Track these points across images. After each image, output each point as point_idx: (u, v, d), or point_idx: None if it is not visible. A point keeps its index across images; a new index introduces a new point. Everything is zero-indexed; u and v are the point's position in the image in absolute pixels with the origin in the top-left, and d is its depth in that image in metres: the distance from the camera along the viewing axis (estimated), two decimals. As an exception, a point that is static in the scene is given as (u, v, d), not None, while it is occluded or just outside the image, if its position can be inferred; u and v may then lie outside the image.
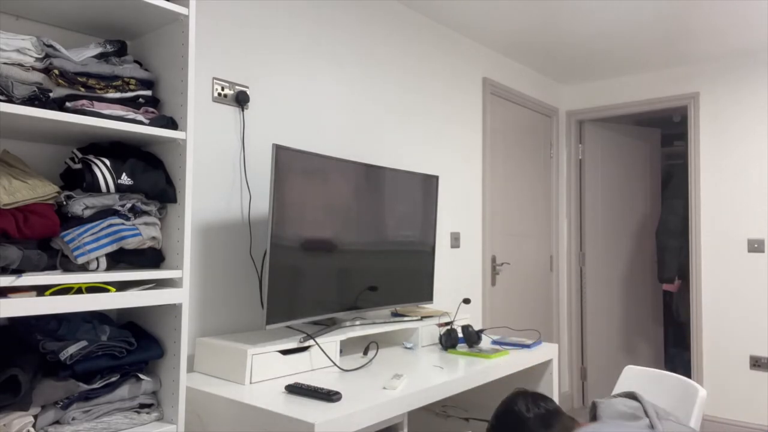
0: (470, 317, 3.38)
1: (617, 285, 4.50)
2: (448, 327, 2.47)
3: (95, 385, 1.47)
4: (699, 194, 3.97)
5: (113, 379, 1.51)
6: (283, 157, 1.96)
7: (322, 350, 1.98)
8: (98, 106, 1.49)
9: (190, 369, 1.95)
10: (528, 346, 2.41)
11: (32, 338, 1.45)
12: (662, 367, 4.62)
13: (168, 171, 1.65)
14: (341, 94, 2.68)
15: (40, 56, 1.44)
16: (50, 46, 1.47)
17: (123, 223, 1.53)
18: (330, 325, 2.19)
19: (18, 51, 1.40)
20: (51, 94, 1.42)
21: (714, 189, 3.92)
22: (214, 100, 2.15)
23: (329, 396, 1.61)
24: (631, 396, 1.64)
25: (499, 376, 2.18)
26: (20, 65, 1.41)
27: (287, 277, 1.98)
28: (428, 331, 2.49)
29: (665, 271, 4.36)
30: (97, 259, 1.47)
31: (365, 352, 2.23)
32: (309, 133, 2.52)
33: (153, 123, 1.57)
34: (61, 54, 1.48)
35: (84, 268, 1.46)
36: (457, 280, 3.37)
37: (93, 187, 1.49)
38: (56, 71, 1.45)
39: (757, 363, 3.71)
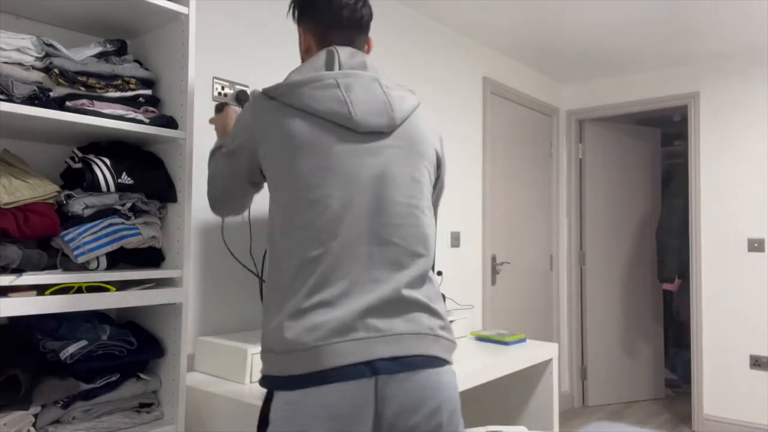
0: (471, 316, 3.38)
1: (617, 285, 4.50)
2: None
3: (95, 385, 1.47)
4: (699, 194, 3.96)
5: (113, 378, 1.51)
6: (284, 157, 1.95)
7: (323, 350, 1.97)
8: (98, 106, 1.49)
9: (191, 368, 1.95)
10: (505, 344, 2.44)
11: (32, 338, 1.45)
12: (662, 366, 4.62)
13: (168, 170, 1.65)
14: (341, 93, 2.67)
15: (40, 55, 1.44)
16: (50, 45, 1.47)
17: (123, 223, 1.53)
18: (330, 325, 2.18)
19: (18, 50, 1.40)
20: (51, 94, 1.42)
21: (714, 189, 3.92)
22: (215, 99, 2.15)
23: (329, 395, 1.61)
24: None
25: (498, 375, 2.18)
26: (20, 64, 1.41)
27: (287, 277, 1.97)
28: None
29: (665, 271, 4.36)
30: (97, 258, 1.47)
31: (365, 352, 2.22)
32: (309, 133, 2.51)
33: (153, 122, 1.57)
34: (62, 53, 1.48)
35: (84, 267, 1.46)
36: (458, 279, 3.37)
37: (93, 187, 1.49)
38: (56, 70, 1.45)
39: (757, 363, 3.71)
